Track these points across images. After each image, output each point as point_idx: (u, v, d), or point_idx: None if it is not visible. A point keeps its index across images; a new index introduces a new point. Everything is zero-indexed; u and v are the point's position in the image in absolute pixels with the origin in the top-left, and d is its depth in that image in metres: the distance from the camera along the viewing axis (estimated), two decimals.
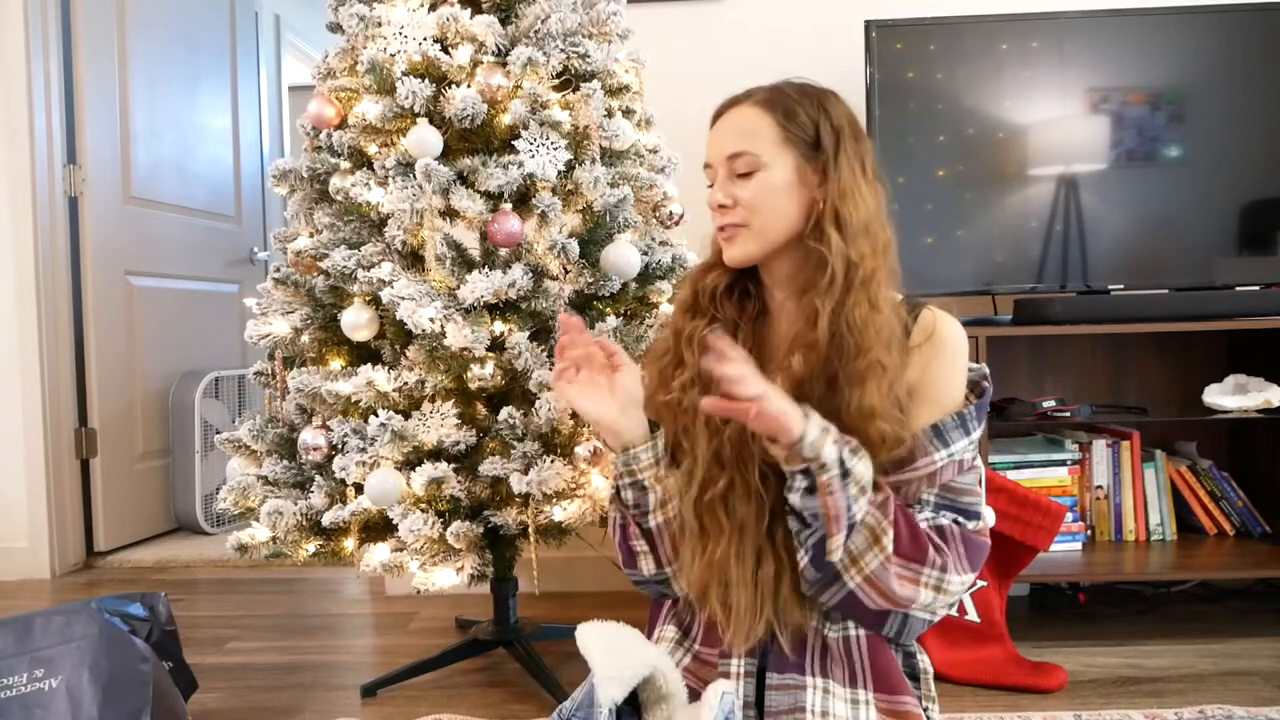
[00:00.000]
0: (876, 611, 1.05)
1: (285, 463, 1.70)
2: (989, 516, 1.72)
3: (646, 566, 1.19)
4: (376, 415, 1.53)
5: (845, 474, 0.98)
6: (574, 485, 1.56)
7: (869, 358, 1.04)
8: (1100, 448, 2.16)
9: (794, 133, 1.09)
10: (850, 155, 1.09)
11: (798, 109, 1.10)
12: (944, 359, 1.10)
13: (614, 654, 0.99)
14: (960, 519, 1.09)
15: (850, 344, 1.04)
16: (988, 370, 1.17)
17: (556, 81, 1.68)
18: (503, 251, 1.63)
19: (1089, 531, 2.16)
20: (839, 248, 1.06)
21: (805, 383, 1.05)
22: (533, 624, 1.94)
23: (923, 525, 1.06)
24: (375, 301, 1.62)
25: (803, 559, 1.04)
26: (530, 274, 1.58)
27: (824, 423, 0.98)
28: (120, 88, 3.09)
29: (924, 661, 1.16)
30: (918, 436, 1.06)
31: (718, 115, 1.16)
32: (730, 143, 1.11)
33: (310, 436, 1.64)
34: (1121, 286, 2.05)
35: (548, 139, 1.60)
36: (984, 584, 1.82)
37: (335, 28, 1.78)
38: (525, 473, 1.53)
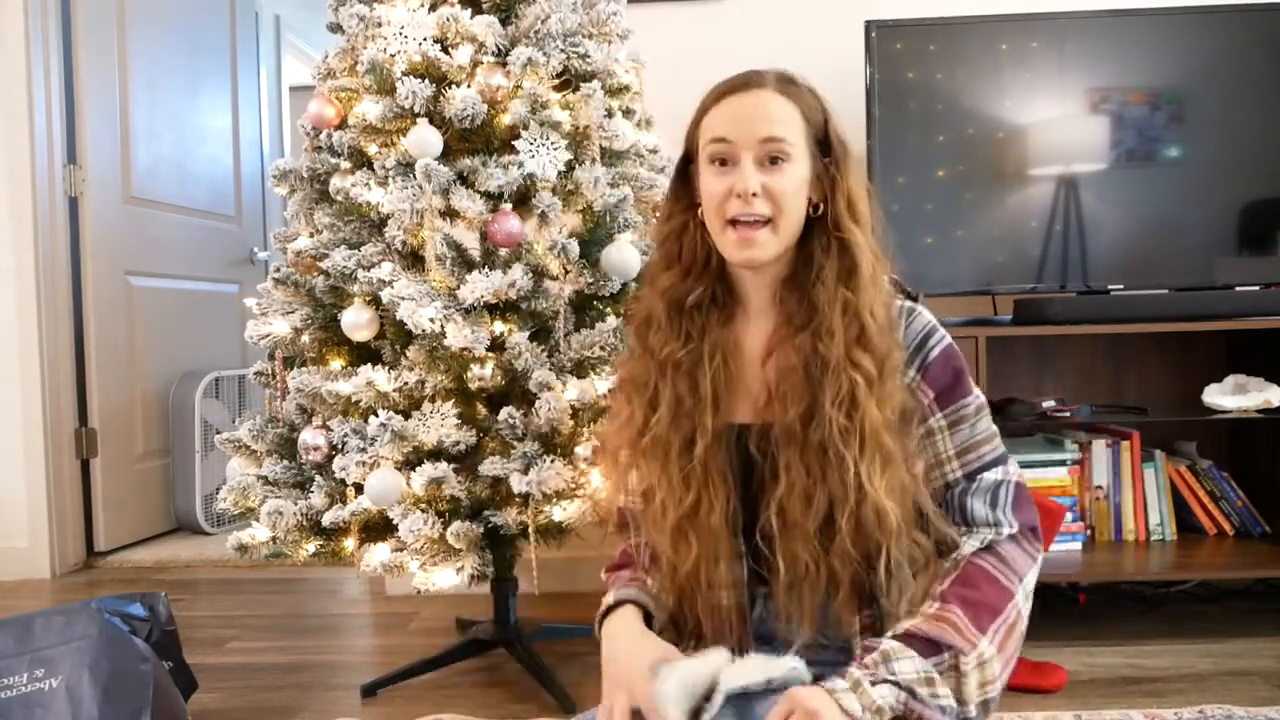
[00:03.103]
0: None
1: (285, 463, 1.71)
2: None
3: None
4: (376, 415, 1.53)
5: (911, 692, 0.91)
6: (574, 485, 1.56)
7: (896, 357, 1.02)
8: (1100, 448, 2.16)
9: (810, 132, 1.04)
10: (854, 165, 1.06)
11: (812, 108, 1.05)
12: None
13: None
14: (1001, 476, 1.04)
15: (881, 344, 1.01)
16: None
17: (556, 81, 1.68)
18: (503, 251, 1.63)
19: (1089, 531, 2.16)
20: (860, 239, 1.03)
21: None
22: (533, 624, 1.94)
23: (974, 554, 1.01)
24: (375, 301, 1.62)
25: None
26: (530, 274, 1.58)
27: (844, 681, 0.91)
28: (120, 88, 3.09)
29: None
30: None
31: (730, 91, 1.05)
32: (766, 126, 1.02)
33: (310, 436, 1.64)
34: (1121, 286, 2.04)
35: (548, 139, 1.60)
36: None
37: (335, 28, 1.78)
38: (525, 473, 1.53)
